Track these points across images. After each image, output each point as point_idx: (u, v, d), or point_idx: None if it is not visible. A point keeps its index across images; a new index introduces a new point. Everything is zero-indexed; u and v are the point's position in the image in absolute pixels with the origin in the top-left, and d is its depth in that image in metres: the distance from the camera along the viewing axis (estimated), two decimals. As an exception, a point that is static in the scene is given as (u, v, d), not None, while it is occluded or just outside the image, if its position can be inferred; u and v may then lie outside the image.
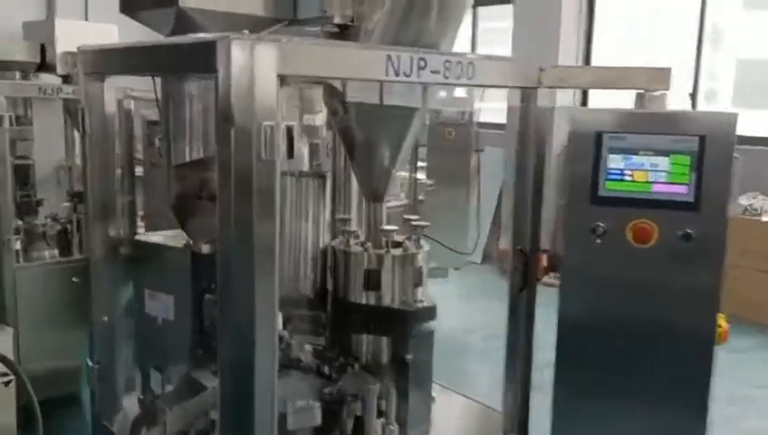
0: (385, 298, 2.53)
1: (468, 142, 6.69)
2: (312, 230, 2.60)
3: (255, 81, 1.68)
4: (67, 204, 4.90)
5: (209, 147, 2.42)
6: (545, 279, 7.58)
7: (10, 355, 3.59)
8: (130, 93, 3.73)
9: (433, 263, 6.72)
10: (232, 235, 1.74)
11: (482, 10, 9.22)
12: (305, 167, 2.54)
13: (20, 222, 4.79)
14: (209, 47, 1.70)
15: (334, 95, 2.39)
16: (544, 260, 7.82)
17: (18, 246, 4.65)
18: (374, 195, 2.62)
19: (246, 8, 2.28)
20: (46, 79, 5.05)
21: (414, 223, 2.64)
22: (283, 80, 1.74)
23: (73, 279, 4.15)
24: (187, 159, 2.39)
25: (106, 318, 2.58)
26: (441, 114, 6.69)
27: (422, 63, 2.02)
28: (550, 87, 2.43)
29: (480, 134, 7.99)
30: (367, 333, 2.57)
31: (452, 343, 6.61)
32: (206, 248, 2.45)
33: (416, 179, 6.82)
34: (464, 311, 7.10)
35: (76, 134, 5.14)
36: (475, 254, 8.31)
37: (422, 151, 6.88)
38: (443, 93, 6.30)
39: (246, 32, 1.67)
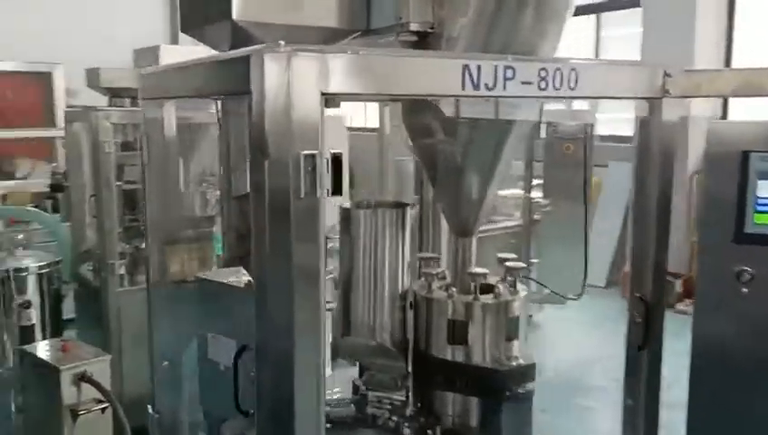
0: (473, 354, 2.14)
1: (589, 157, 6.12)
2: (390, 270, 2.24)
3: (293, 101, 1.36)
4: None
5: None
6: (679, 306, 6.84)
7: (107, 381, 3.54)
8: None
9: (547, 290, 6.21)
10: (270, 288, 1.43)
11: (607, 16, 8.59)
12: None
13: (126, 246, 4.80)
14: (242, 63, 1.41)
15: (433, 112, 2.03)
16: (679, 286, 7.07)
17: (122, 270, 4.65)
18: (463, 229, 2.24)
19: (312, 19, 1.98)
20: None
21: (509, 264, 2.23)
22: (328, 100, 1.41)
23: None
24: (249, 189, 2.12)
25: (166, 363, 2.35)
26: (558, 128, 6.18)
27: (509, 73, 1.63)
28: (679, 96, 1.95)
29: (604, 148, 7.38)
30: (451, 391, 2.18)
31: (568, 376, 6.06)
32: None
33: (530, 198, 6.37)
34: (583, 341, 6.52)
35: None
36: (597, 279, 7.63)
37: (537, 167, 6.43)
38: (560, 105, 5.79)
39: (282, 43, 1.35)
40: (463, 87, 1.57)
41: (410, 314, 2.25)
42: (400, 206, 2.30)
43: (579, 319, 6.67)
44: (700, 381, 2.16)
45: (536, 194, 6.37)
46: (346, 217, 2.25)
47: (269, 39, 1.86)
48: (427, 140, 2.14)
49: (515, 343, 2.17)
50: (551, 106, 6.29)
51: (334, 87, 1.40)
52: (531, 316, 6.73)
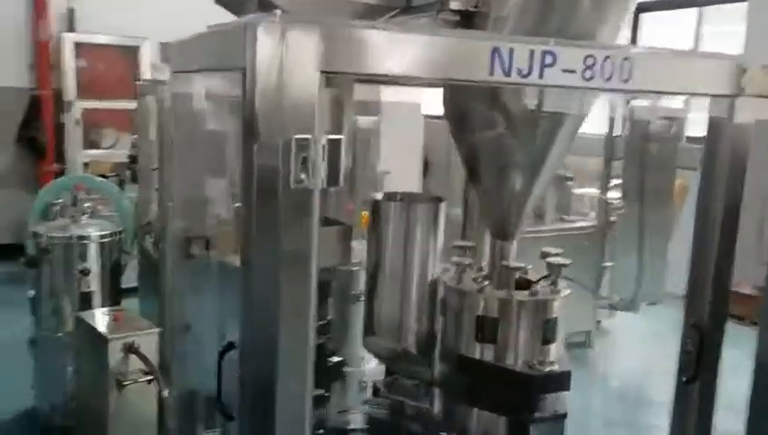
0: (502, 355, 1.95)
1: (674, 159, 5.72)
2: (419, 268, 2.08)
3: (286, 78, 1.21)
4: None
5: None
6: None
7: (154, 354, 3.59)
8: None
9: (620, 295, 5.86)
10: (255, 282, 1.30)
11: (709, 10, 8.02)
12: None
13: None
14: (238, 35, 1.27)
15: (490, 99, 1.85)
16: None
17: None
18: (503, 231, 2.05)
19: (346, -7, 1.83)
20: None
21: (550, 260, 2.01)
22: (329, 79, 1.25)
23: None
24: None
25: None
26: (646, 126, 5.78)
27: (549, 59, 1.43)
28: (755, 95, 1.69)
29: (694, 151, 6.89)
30: (477, 397, 2.00)
31: (635, 389, 5.73)
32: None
33: (606, 199, 6.02)
34: (654, 351, 6.15)
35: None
36: (677, 287, 7.14)
37: (617, 166, 6.07)
38: (644, 100, 5.42)
39: (279, 13, 1.20)
40: (491, 72, 1.38)
41: (439, 313, 2.08)
42: (433, 200, 2.13)
43: (652, 328, 6.29)
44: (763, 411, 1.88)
45: (614, 194, 6.02)
46: (375, 209, 2.10)
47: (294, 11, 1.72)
48: (466, 130, 1.95)
49: (552, 347, 1.97)
50: (637, 102, 5.88)
51: (335, 65, 1.25)
52: (599, 322, 6.40)
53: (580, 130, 1.96)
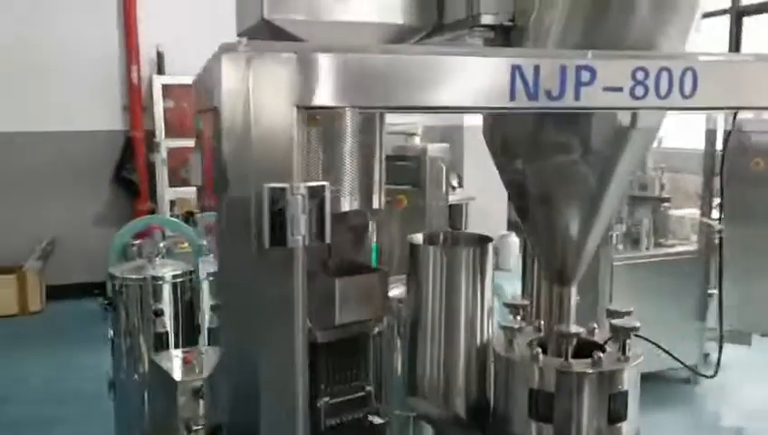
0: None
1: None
2: (465, 320, 1.83)
3: (254, 116, 1.02)
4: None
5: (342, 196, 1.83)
6: None
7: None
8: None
9: (729, 326, 5.33)
10: (234, 359, 1.10)
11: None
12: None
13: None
14: (212, 69, 1.09)
15: (515, 123, 1.62)
16: None
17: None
18: (559, 275, 1.78)
19: (365, 15, 1.62)
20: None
21: (616, 322, 1.72)
22: (312, 117, 1.05)
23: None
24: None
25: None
26: (746, 137, 5.27)
27: (586, 76, 1.17)
28: None
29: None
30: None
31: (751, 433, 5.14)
32: (321, 337, 1.85)
33: (707, 220, 5.50)
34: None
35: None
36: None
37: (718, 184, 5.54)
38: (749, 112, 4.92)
39: (245, 41, 1.02)
40: (512, 96, 1.13)
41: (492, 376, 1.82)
42: (481, 241, 1.88)
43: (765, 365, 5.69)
44: None
45: (716, 215, 5.50)
46: (414, 253, 1.87)
47: (313, 40, 1.55)
48: (511, 161, 1.71)
49: (623, 426, 1.67)
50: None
51: (315, 98, 1.04)
52: (707, 355, 5.84)
53: (676, 145, 1.65)
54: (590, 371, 1.64)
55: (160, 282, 4.49)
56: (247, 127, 1.02)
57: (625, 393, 1.66)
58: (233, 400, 1.10)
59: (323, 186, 1.06)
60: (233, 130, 1.02)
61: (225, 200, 1.05)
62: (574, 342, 1.68)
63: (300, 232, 1.05)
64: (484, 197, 8.43)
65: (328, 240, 1.07)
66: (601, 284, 2.39)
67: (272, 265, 1.05)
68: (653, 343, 1.97)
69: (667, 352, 1.94)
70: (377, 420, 1.97)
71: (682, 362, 1.99)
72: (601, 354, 1.67)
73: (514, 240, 8.62)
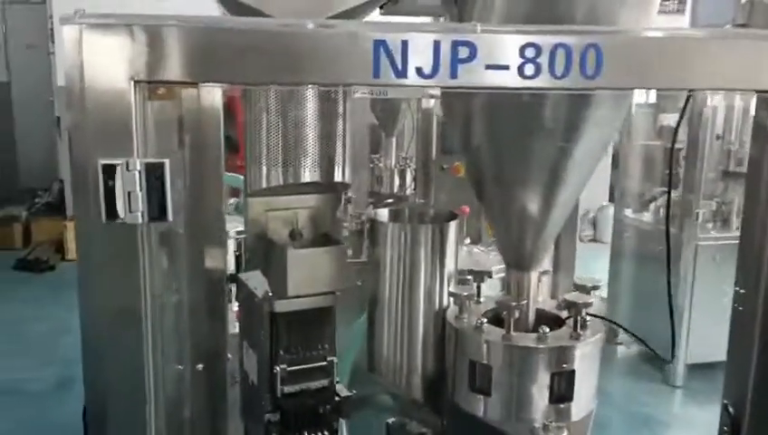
0: (496, 410, 1.59)
1: None
2: (423, 296, 1.77)
3: (89, 90, 1.01)
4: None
5: (303, 169, 1.80)
6: None
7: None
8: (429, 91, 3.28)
9: None
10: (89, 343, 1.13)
11: None
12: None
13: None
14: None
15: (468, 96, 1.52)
16: None
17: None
18: (517, 260, 1.67)
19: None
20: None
21: (569, 297, 1.60)
22: (153, 90, 1.03)
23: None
24: (264, 184, 1.80)
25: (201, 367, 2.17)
26: None
27: (464, 52, 1.06)
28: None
29: None
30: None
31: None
32: (281, 306, 1.85)
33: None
34: None
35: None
36: None
37: None
38: None
39: (82, 11, 1.01)
40: (376, 73, 1.05)
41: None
42: (444, 218, 1.80)
43: None
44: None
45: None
46: (373, 230, 1.82)
47: (275, 12, 1.51)
48: (467, 139, 1.61)
49: (568, 407, 1.56)
50: None
51: (154, 72, 1.02)
52: None
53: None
54: (532, 345, 1.54)
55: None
56: (83, 100, 1.01)
57: (571, 374, 1.55)
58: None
59: (162, 163, 1.04)
60: (73, 103, 1.02)
61: (72, 173, 1.05)
62: (516, 314, 1.58)
63: (137, 208, 1.04)
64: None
65: (170, 218, 1.06)
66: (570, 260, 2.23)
67: (110, 241, 1.05)
68: (616, 325, 1.81)
69: (634, 335, 1.79)
70: (344, 393, 1.96)
71: (647, 346, 1.82)
72: (547, 330, 1.56)
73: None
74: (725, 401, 1.33)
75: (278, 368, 1.85)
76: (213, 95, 1.64)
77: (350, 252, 4.72)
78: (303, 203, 1.92)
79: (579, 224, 9.09)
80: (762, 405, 1.27)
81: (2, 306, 6.36)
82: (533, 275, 1.68)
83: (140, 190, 1.03)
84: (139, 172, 1.03)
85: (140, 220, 1.04)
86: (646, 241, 5.41)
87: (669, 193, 2.41)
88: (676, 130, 3.18)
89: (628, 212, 5.77)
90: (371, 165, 4.93)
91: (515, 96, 1.47)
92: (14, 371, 4.74)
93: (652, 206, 5.52)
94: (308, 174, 1.79)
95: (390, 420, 2.00)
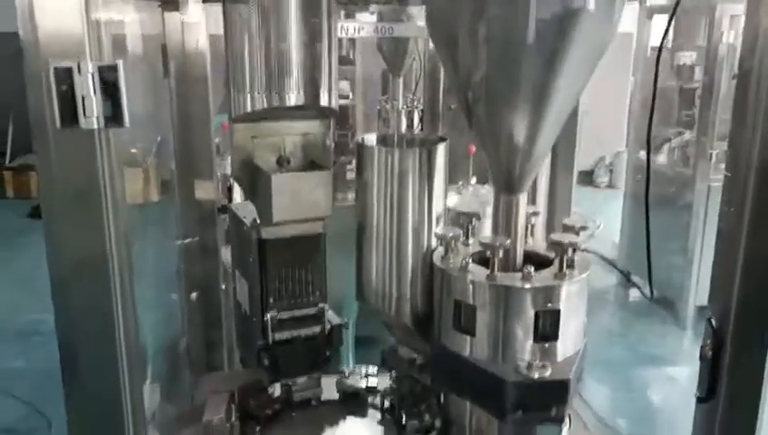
0: (480, 350, 1.58)
1: None
2: (412, 226, 1.74)
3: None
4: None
5: (289, 92, 1.76)
6: None
7: None
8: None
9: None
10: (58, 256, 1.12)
11: None
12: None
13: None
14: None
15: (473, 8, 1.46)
16: None
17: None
18: (506, 182, 1.63)
19: None
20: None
21: (554, 237, 1.57)
22: (106, -11, 1.00)
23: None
24: (249, 108, 1.77)
25: (194, 295, 2.19)
26: None
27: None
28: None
29: None
30: (459, 388, 1.66)
31: None
32: (268, 233, 1.83)
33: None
34: None
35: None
36: None
37: None
38: None
39: None
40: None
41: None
42: (432, 142, 1.76)
43: None
44: None
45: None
46: (360, 154, 1.79)
47: None
48: (453, 52, 1.55)
49: (554, 346, 1.54)
50: None
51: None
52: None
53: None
54: (517, 285, 1.52)
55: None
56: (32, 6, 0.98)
57: (556, 313, 1.53)
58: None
59: (115, 65, 1.01)
60: (24, 4, 0.99)
61: (26, 79, 1.03)
62: (501, 253, 1.55)
63: (92, 113, 1.01)
64: (599, 111, 7.93)
65: (127, 124, 1.03)
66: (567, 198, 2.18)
67: (71, 147, 1.03)
68: (608, 261, 1.78)
69: (622, 272, 1.76)
70: (335, 320, 1.96)
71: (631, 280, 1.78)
72: (532, 269, 1.53)
73: (627, 157, 8.07)
74: (709, 317, 1.29)
75: (266, 290, 1.84)
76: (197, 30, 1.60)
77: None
78: (291, 130, 1.88)
79: (595, 169, 8.89)
80: (744, 319, 1.24)
81: (18, 253, 6.46)
82: (522, 199, 1.64)
83: (94, 94, 1.01)
84: (92, 75, 1.00)
85: (96, 125, 1.02)
86: (659, 183, 5.33)
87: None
88: (665, 31, 2.90)
89: (642, 155, 5.68)
90: (378, 107, 4.88)
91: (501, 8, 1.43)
92: (30, 313, 4.84)
93: (666, 147, 5.42)
94: (293, 98, 1.76)
95: (383, 348, 2.00)
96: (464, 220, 1.76)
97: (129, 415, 1.15)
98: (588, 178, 8.82)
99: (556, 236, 1.58)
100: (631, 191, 5.81)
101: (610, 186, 8.92)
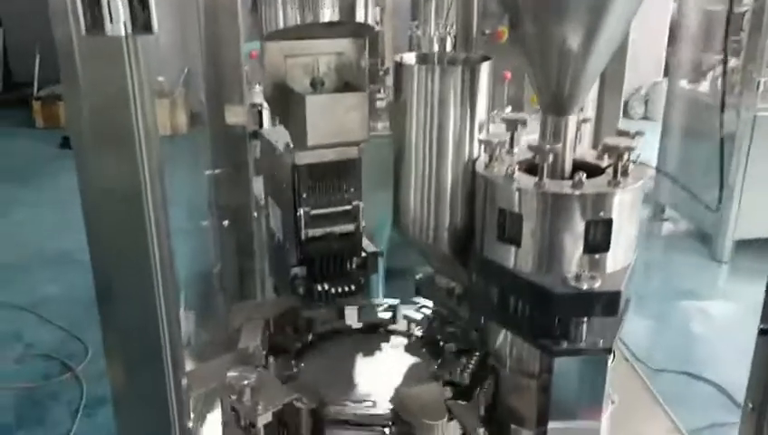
0: (525, 262, 1.51)
1: None
2: (451, 145, 1.66)
3: None
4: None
5: (322, 7, 1.67)
6: None
7: None
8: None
9: None
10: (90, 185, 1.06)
11: None
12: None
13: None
14: None
15: None
16: None
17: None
18: (555, 103, 1.54)
19: None
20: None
21: (609, 141, 1.48)
22: None
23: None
24: (281, 24, 1.67)
25: (226, 223, 2.15)
26: None
27: None
28: None
29: None
30: (502, 311, 1.61)
31: None
32: (302, 158, 1.76)
33: None
34: None
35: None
36: None
37: None
38: None
39: None
40: None
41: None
42: (473, 61, 1.66)
43: None
44: None
45: None
46: (397, 74, 1.69)
47: None
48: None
49: (604, 257, 1.46)
50: None
51: None
52: None
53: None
54: (567, 192, 1.43)
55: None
56: None
57: (608, 222, 1.45)
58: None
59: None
60: None
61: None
62: (551, 158, 1.46)
63: (119, 18, 0.94)
64: (636, 39, 7.63)
65: (155, 29, 0.96)
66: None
67: (97, 55, 0.96)
68: (669, 176, 1.69)
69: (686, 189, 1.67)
70: (371, 248, 1.91)
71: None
72: (584, 175, 1.45)
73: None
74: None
75: (301, 211, 1.78)
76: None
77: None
78: (324, 48, 1.79)
79: (629, 99, 8.65)
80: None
81: (50, 182, 6.51)
82: (571, 120, 1.54)
83: (122, -1, 0.93)
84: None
85: (123, 32, 0.94)
86: (700, 113, 5.14)
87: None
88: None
89: (683, 83, 5.46)
90: (409, 33, 4.71)
91: None
92: (63, 241, 4.88)
93: (709, 75, 5.19)
94: (328, 13, 1.66)
95: (418, 276, 1.95)
96: (509, 126, 1.66)
97: (167, 340, 1.11)
98: (622, 108, 8.58)
99: (610, 141, 1.49)
100: (670, 122, 5.62)
101: (646, 117, 8.67)
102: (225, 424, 1.58)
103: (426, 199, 1.72)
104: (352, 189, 1.81)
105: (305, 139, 1.68)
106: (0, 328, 4.14)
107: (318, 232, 1.81)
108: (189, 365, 1.62)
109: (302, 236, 1.79)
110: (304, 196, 1.79)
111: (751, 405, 1.05)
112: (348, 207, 1.82)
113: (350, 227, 1.84)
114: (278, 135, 1.88)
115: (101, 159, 1.01)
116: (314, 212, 1.80)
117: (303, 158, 1.75)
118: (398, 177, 1.76)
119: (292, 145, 1.78)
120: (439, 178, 1.68)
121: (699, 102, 5.17)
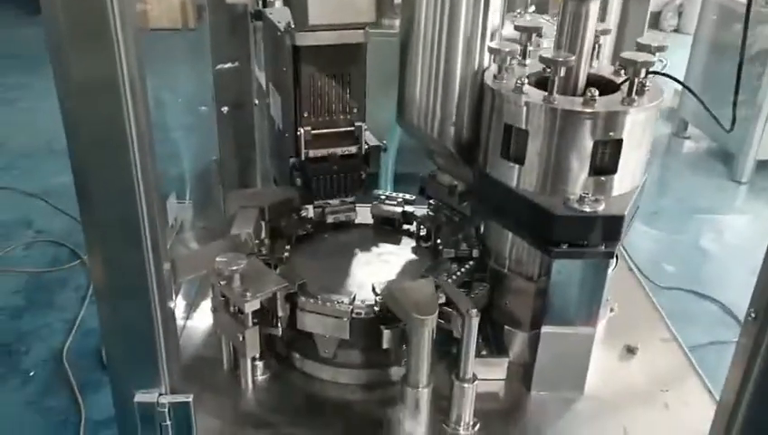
0: (528, 180, 1.44)
1: None
2: (464, 41, 1.55)
3: None
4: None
5: None
6: None
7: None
8: None
9: None
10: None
11: None
12: None
13: None
14: None
15: None
16: None
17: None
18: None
19: None
20: None
21: (627, 55, 1.37)
22: None
23: None
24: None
25: (225, 109, 2.08)
26: None
27: None
28: None
29: None
30: (502, 219, 1.55)
31: None
32: (303, 39, 1.66)
33: None
34: None
35: None
36: None
37: None
38: None
39: None
40: None
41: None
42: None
43: None
44: None
45: None
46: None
47: None
48: None
49: (611, 180, 1.39)
50: None
51: None
52: None
53: None
54: (577, 109, 1.35)
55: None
56: None
57: (617, 142, 1.37)
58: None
59: None
60: None
61: None
62: (562, 71, 1.36)
63: None
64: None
65: None
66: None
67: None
68: (688, 89, 1.59)
69: (706, 107, 1.58)
70: (373, 141, 1.83)
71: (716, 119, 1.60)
72: (596, 92, 1.36)
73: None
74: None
75: (300, 103, 1.70)
76: None
77: None
78: None
79: (663, 9, 8.25)
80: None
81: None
82: (593, 8, 1.43)
83: None
84: None
85: None
86: (733, 25, 4.89)
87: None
88: None
89: (721, -8, 5.17)
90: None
91: None
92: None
93: (749, -16, 4.89)
94: None
95: (422, 174, 1.89)
96: (522, 37, 1.56)
97: (146, 224, 1.06)
98: (654, 20, 8.20)
99: (627, 55, 1.39)
100: (703, 35, 5.36)
101: (677, 30, 8.31)
102: (214, 309, 1.56)
103: (432, 91, 1.63)
104: (357, 80, 1.72)
105: (306, 17, 1.58)
106: (10, 214, 4.15)
107: (320, 130, 1.73)
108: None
109: (302, 130, 1.71)
110: (304, 81, 1.70)
111: (753, 315, 0.99)
112: (350, 115, 1.73)
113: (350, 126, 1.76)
114: (281, 15, 1.77)
115: (76, 51, 0.94)
116: (315, 100, 1.71)
117: (305, 39, 1.65)
118: (403, 65, 1.66)
119: (293, 25, 1.68)
120: (448, 70, 1.59)
121: (735, 14, 4.90)
